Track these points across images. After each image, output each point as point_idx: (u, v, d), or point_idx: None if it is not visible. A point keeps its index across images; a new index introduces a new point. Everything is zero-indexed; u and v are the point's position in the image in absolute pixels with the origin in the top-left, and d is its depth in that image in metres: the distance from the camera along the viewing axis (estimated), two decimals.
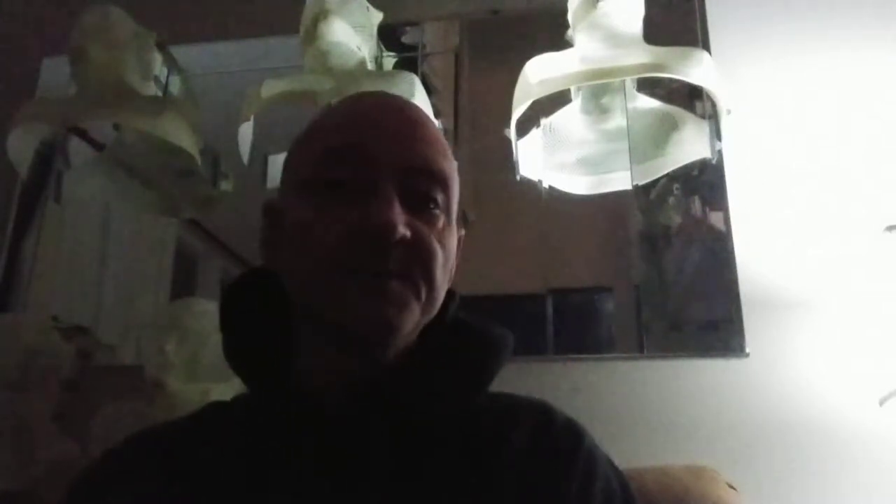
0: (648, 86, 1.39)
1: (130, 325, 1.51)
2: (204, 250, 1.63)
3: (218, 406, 0.70)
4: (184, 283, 1.59)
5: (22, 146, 1.44)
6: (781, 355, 1.26)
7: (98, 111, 1.41)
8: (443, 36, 1.65)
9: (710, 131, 1.36)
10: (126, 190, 1.56)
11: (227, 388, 1.15)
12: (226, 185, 1.54)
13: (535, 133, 1.40)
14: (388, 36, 1.53)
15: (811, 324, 1.27)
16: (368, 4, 1.37)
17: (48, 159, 1.62)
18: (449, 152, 0.65)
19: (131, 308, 1.58)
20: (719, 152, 1.37)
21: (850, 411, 1.21)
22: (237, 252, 1.59)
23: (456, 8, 1.64)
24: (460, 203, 0.67)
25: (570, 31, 1.33)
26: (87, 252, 1.64)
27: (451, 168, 0.64)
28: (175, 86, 1.59)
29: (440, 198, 0.62)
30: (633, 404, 1.27)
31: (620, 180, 1.39)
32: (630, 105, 1.38)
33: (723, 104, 1.29)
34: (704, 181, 1.41)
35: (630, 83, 1.37)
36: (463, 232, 0.68)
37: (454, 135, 1.53)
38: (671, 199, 1.43)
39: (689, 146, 1.38)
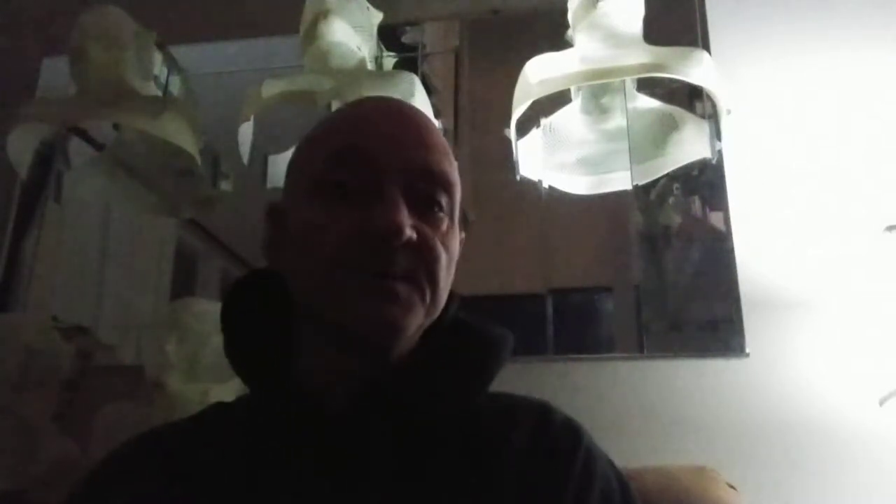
0: (648, 86, 1.39)
1: (130, 325, 1.52)
2: (204, 250, 1.63)
3: (220, 407, 0.71)
4: (184, 283, 1.59)
5: (22, 146, 1.44)
6: (781, 355, 1.26)
7: (98, 111, 1.41)
8: (443, 36, 1.65)
9: (710, 131, 1.36)
10: (126, 190, 1.56)
11: (227, 388, 1.15)
12: (226, 185, 1.54)
13: (535, 133, 1.40)
14: (388, 36, 1.53)
15: (811, 324, 1.27)
16: (368, 4, 1.37)
17: (48, 159, 1.62)
18: (451, 156, 0.65)
19: (131, 308, 1.59)
20: (719, 152, 1.37)
21: (850, 411, 1.21)
22: (237, 252, 1.59)
23: (456, 8, 1.64)
24: (460, 203, 0.67)
25: (570, 31, 1.33)
26: (87, 252, 1.64)
27: (455, 171, 0.65)
28: (175, 86, 1.59)
29: (444, 201, 0.63)
30: (633, 404, 1.27)
31: (620, 180, 1.39)
32: (630, 105, 1.38)
33: (723, 104, 1.29)
34: (704, 181, 1.41)
35: (630, 83, 1.37)
36: (464, 235, 0.68)
37: (454, 135, 1.53)
38: (671, 199, 1.43)
39: (689, 146, 1.38)
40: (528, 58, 1.31)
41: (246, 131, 1.33)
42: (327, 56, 1.30)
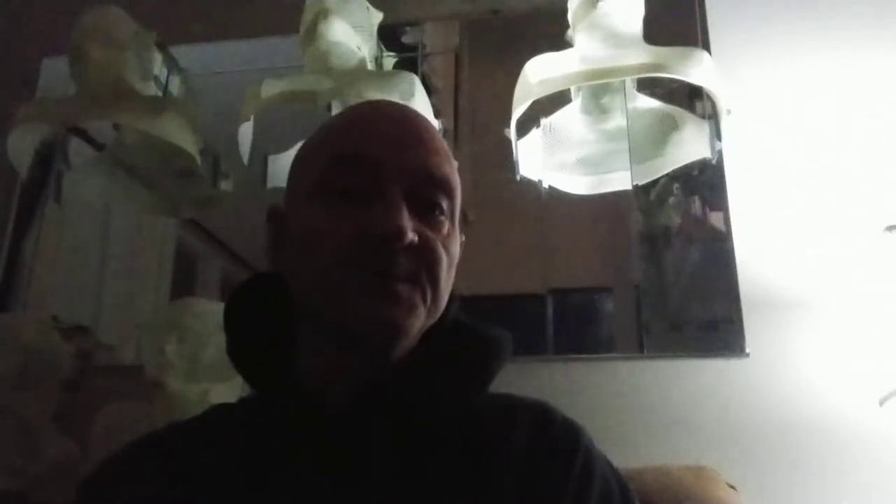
0: (648, 86, 1.39)
1: (130, 325, 1.52)
2: (204, 250, 1.63)
3: (222, 408, 0.71)
4: (184, 283, 1.59)
5: (22, 146, 1.44)
6: (781, 355, 1.26)
7: (98, 111, 1.41)
8: (443, 36, 1.65)
9: (710, 131, 1.36)
10: (126, 190, 1.56)
11: (227, 388, 1.15)
12: (226, 185, 1.54)
13: (535, 133, 1.40)
14: (388, 36, 1.53)
15: (811, 324, 1.27)
16: (368, 4, 1.37)
17: (48, 159, 1.62)
18: (452, 159, 0.66)
19: (131, 308, 1.59)
20: (719, 152, 1.37)
21: (850, 411, 1.21)
22: (237, 252, 1.59)
23: (456, 8, 1.64)
24: (460, 204, 0.68)
25: (570, 31, 1.33)
26: (87, 252, 1.64)
27: (455, 175, 0.65)
28: (175, 86, 1.59)
29: (445, 204, 0.63)
30: (633, 404, 1.27)
31: (620, 180, 1.39)
32: (630, 105, 1.38)
33: (723, 104, 1.29)
34: (704, 181, 1.41)
35: (630, 83, 1.37)
36: (464, 237, 0.69)
37: (454, 135, 1.53)
38: (671, 199, 1.43)
39: (689, 146, 1.38)
40: (528, 58, 1.31)
41: (246, 131, 1.33)
42: (327, 56, 1.30)
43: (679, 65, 1.24)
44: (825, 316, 1.27)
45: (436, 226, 0.62)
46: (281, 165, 1.43)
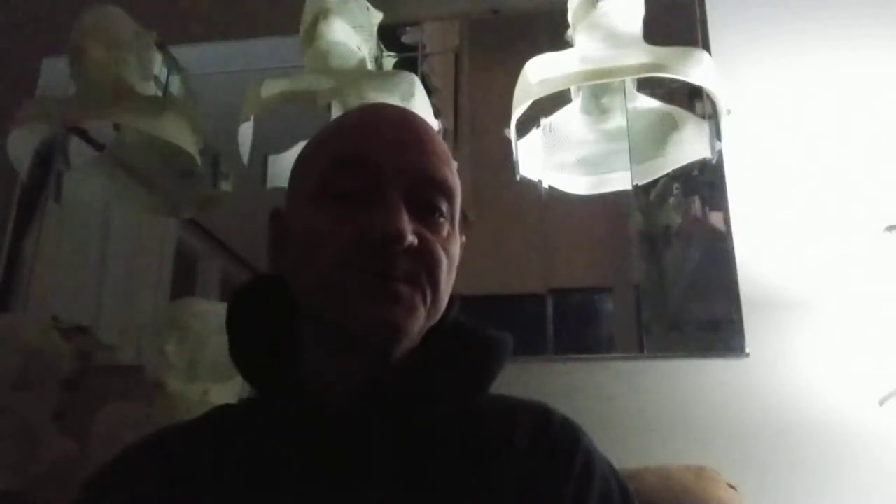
0: (648, 86, 1.39)
1: (130, 325, 1.52)
2: (204, 250, 1.63)
3: (224, 409, 0.71)
4: (184, 283, 1.59)
5: (22, 146, 1.44)
6: (781, 355, 1.26)
7: (98, 111, 1.41)
8: (443, 36, 1.65)
9: (710, 131, 1.36)
10: (126, 190, 1.56)
11: (227, 388, 1.15)
12: (226, 185, 1.54)
13: (535, 133, 1.40)
14: (388, 36, 1.53)
15: (811, 324, 1.27)
16: (368, 4, 1.37)
17: (48, 159, 1.61)
18: (452, 162, 0.67)
19: (131, 308, 1.59)
20: (719, 152, 1.37)
21: (850, 411, 1.21)
22: (237, 252, 1.59)
23: (456, 8, 1.64)
24: (461, 204, 0.68)
25: (570, 31, 1.33)
26: (87, 252, 1.64)
27: (455, 178, 0.66)
28: (175, 86, 1.59)
29: (445, 207, 0.64)
30: (633, 404, 1.27)
31: (620, 180, 1.39)
32: (630, 105, 1.38)
33: (723, 104, 1.29)
34: (704, 181, 1.41)
35: (630, 83, 1.37)
36: (464, 239, 0.69)
37: (454, 135, 1.53)
38: (671, 199, 1.43)
39: (689, 146, 1.38)
40: (528, 58, 1.31)
41: (246, 131, 1.33)
42: (327, 56, 1.30)
43: (679, 65, 1.24)
44: (825, 316, 1.27)
45: (436, 228, 0.63)
46: (281, 165, 1.43)
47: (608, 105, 1.39)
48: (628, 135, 1.38)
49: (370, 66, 1.36)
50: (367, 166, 0.61)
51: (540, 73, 1.28)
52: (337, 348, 0.62)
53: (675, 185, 1.42)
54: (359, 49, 1.33)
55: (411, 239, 0.59)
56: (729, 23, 1.47)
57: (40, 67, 1.74)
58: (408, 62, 1.57)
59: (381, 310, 0.59)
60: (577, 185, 1.42)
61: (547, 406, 0.68)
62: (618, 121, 1.39)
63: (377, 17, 1.40)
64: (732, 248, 1.34)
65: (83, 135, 1.59)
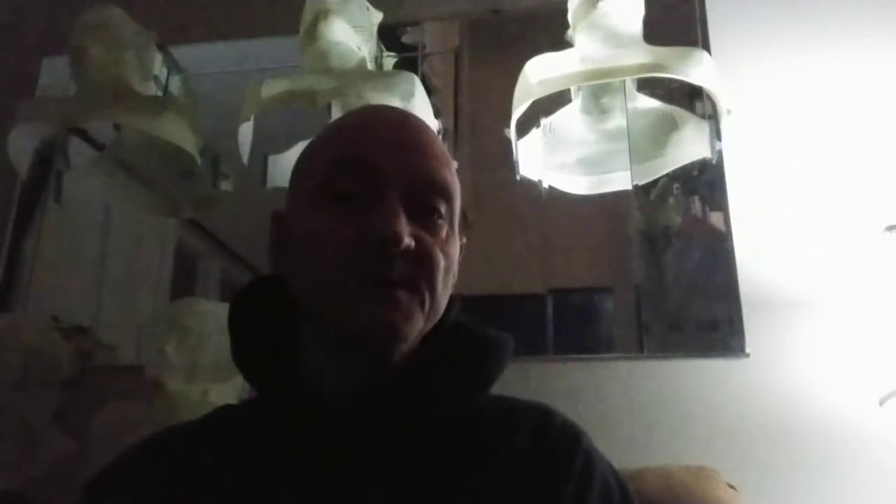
0: (648, 86, 1.39)
1: (130, 325, 1.52)
2: (204, 250, 1.63)
3: (225, 409, 0.72)
4: (184, 283, 1.59)
5: (22, 146, 1.44)
6: (781, 355, 1.26)
7: (98, 111, 1.41)
8: (443, 36, 1.65)
9: (710, 131, 1.36)
10: (126, 190, 1.56)
11: (227, 388, 1.15)
12: (226, 185, 1.54)
13: (535, 133, 1.40)
14: (388, 36, 1.53)
15: (811, 324, 1.27)
16: (368, 4, 1.37)
17: (48, 159, 1.61)
18: (452, 164, 0.67)
19: (131, 308, 1.59)
20: (719, 152, 1.37)
21: (850, 411, 1.21)
22: (237, 252, 1.59)
23: (456, 8, 1.64)
24: (461, 205, 0.68)
25: (570, 31, 1.33)
26: (87, 252, 1.64)
27: (454, 179, 0.66)
28: (175, 86, 1.59)
29: (443, 208, 0.64)
30: (634, 404, 1.27)
31: (620, 180, 1.39)
32: (630, 105, 1.38)
33: (723, 104, 1.29)
34: (704, 181, 1.41)
35: (630, 83, 1.37)
36: (465, 239, 0.69)
37: (454, 135, 1.53)
38: (671, 199, 1.43)
39: (689, 146, 1.38)
40: (528, 58, 1.31)
41: (246, 131, 1.33)
42: (327, 56, 1.30)
43: (679, 65, 1.24)
44: (825, 316, 1.27)
45: (434, 230, 0.63)
46: (281, 165, 1.43)
47: (608, 105, 1.38)
48: (628, 135, 1.38)
49: (370, 66, 1.36)
50: (367, 168, 0.62)
51: (540, 73, 1.28)
52: (337, 349, 0.62)
53: (675, 185, 1.42)
54: (359, 49, 1.33)
55: (408, 241, 0.59)
56: (729, 23, 1.47)
57: (40, 67, 1.74)
58: (408, 62, 1.57)
59: (380, 314, 0.59)
60: (577, 185, 1.42)
61: (548, 407, 0.68)
62: (618, 121, 1.39)
63: (377, 17, 1.40)
64: (732, 248, 1.34)
65: (83, 135, 1.59)
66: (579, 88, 1.38)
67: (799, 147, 1.38)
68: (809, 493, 1.17)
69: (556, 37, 1.35)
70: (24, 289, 1.58)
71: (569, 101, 1.39)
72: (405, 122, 0.67)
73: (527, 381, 1.25)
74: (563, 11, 1.33)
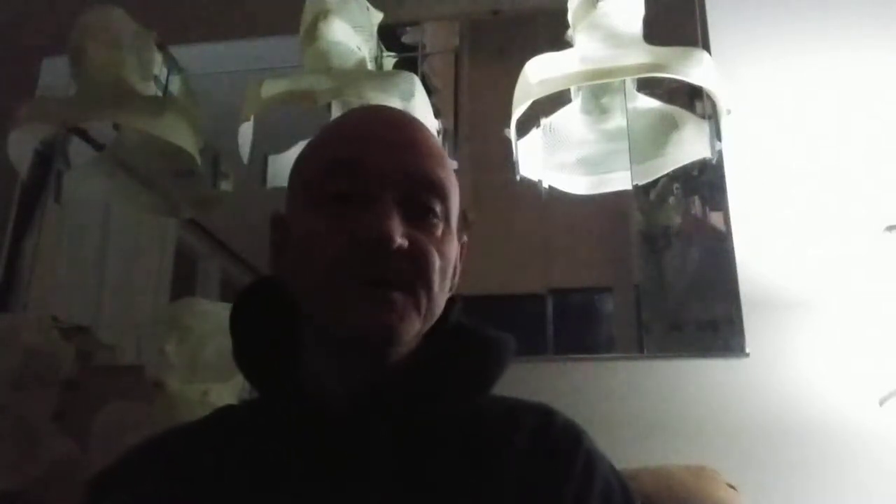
0: (648, 86, 1.39)
1: (130, 325, 1.51)
2: (204, 250, 1.63)
3: (227, 410, 0.72)
4: (184, 283, 1.59)
5: (22, 146, 1.44)
6: (781, 355, 1.26)
7: (98, 111, 1.41)
8: (443, 36, 1.65)
9: (710, 131, 1.36)
10: (126, 190, 1.56)
11: (227, 388, 1.15)
12: (226, 185, 1.54)
13: (535, 133, 1.40)
14: (388, 36, 1.53)
15: (811, 324, 1.27)
16: (368, 4, 1.37)
17: (48, 159, 1.61)
18: (447, 162, 0.67)
19: (131, 308, 1.59)
20: (719, 152, 1.37)
21: (850, 411, 1.21)
22: (237, 252, 1.59)
23: (456, 8, 1.64)
24: (461, 204, 0.68)
25: (570, 31, 1.33)
26: (87, 252, 1.64)
27: (450, 178, 0.65)
28: (175, 86, 1.59)
29: (439, 207, 0.63)
30: (633, 404, 1.27)
31: (620, 180, 1.39)
32: (630, 105, 1.38)
33: (723, 104, 1.29)
34: (704, 181, 1.41)
35: (630, 83, 1.37)
36: (465, 238, 0.69)
37: (454, 135, 1.53)
38: (671, 199, 1.43)
39: (689, 146, 1.38)
40: (528, 58, 1.31)
41: (246, 131, 1.33)
42: (327, 56, 1.30)
43: (679, 65, 1.24)
44: (825, 316, 1.27)
45: (429, 230, 0.62)
46: (281, 165, 1.43)
47: (608, 105, 1.38)
48: (628, 135, 1.38)
49: (370, 66, 1.36)
50: (361, 169, 0.62)
51: (540, 73, 1.28)
52: (335, 350, 0.62)
53: (675, 185, 1.42)
54: (359, 49, 1.33)
55: (400, 241, 0.59)
56: (729, 23, 1.47)
57: (40, 67, 1.73)
58: (408, 62, 1.57)
59: (375, 315, 0.59)
60: (577, 185, 1.42)
61: (549, 407, 0.68)
62: (618, 121, 1.39)
63: (377, 17, 1.39)
64: (732, 248, 1.34)
65: (83, 135, 1.59)
66: (579, 88, 1.38)
67: (799, 147, 1.38)
68: (809, 493, 1.17)
69: (556, 37, 1.35)
70: (24, 289, 1.58)
71: (569, 101, 1.39)
72: (400, 121, 0.67)
73: (527, 381, 1.25)
74: (563, 11, 1.33)
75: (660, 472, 1.01)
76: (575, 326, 1.40)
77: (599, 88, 1.37)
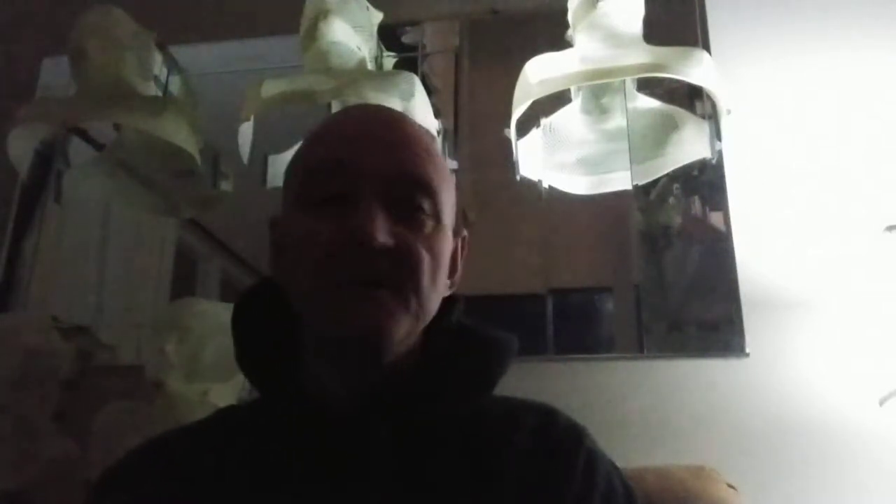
0: (648, 86, 1.39)
1: (130, 325, 1.51)
2: (204, 250, 1.63)
3: (228, 411, 0.72)
4: (184, 283, 1.59)
5: (22, 146, 1.44)
6: (781, 355, 1.26)
7: (98, 111, 1.41)
8: (443, 36, 1.65)
9: (710, 131, 1.36)
10: (126, 190, 1.56)
11: (227, 388, 1.15)
12: (226, 185, 1.54)
13: (535, 133, 1.40)
14: (388, 36, 1.53)
15: (811, 324, 1.27)
16: (368, 4, 1.37)
17: (48, 159, 1.61)
18: (437, 158, 0.66)
19: (131, 308, 1.58)
20: (719, 152, 1.37)
21: (850, 411, 1.21)
22: (237, 252, 1.59)
23: (456, 8, 1.64)
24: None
25: (570, 31, 1.33)
26: (87, 252, 1.64)
27: (438, 172, 0.64)
28: (175, 86, 1.59)
29: (426, 203, 0.62)
30: (633, 404, 1.27)
31: (620, 180, 1.39)
32: (630, 105, 1.38)
33: (723, 104, 1.29)
34: (704, 181, 1.41)
35: (630, 83, 1.37)
36: (465, 233, 0.69)
37: (454, 135, 1.53)
38: (671, 199, 1.43)
39: (689, 146, 1.38)
40: (528, 58, 1.31)
41: (246, 131, 1.33)
42: (327, 56, 1.30)
43: (679, 65, 1.24)
44: (825, 316, 1.27)
45: (417, 227, 0.61)
46: (281, 165, 1.42)
47: (608, 105, 1.38)
48: (628, 135, 1.38)
49: (370, 66, 1.36)
50: (345, 170, 0.61)
51: (540, 73, 1.28)
52: (330, 352, 0.62)
53: (675, 185, 1.42)
54: (359, 49, 1.33)
55: (382, 240, 0.58)
56: (729, 23, 1.47)
57: (40, 67, 1.73)
58: (408, 62, 1.57)
59: (359, 316, 0.58)
60: (577, 185, 1.42)
61: (551, 407, 0.68)
62: (618, 121, 1.39)
63: (377, 17, 1.39)
64: (732, 248, 1.34)
65: (83, 135, 1.59)
66: (579, 88, 1.38)
67: (799, 147, 1.38)
68: (809, 493, 1.17)
69: (556, 37, 1.35)
70: (24, 289, 1.58)
71: (569, 101, 1.39)
72: (384, 119, 0.67)
73: (527, 381, 1.25)
74: (563, 11, 1.33)
75: (660, 471, 1.01)
76: (575, 326, 1.40)
77: (599, 88, 1.37)
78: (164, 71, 1.55)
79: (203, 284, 1.61)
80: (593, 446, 0.65)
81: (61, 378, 1.27)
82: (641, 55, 1.26)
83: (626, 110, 1.38)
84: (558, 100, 1.37)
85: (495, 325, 0.68)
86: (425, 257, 0.61)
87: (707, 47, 1.42)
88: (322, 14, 1.27)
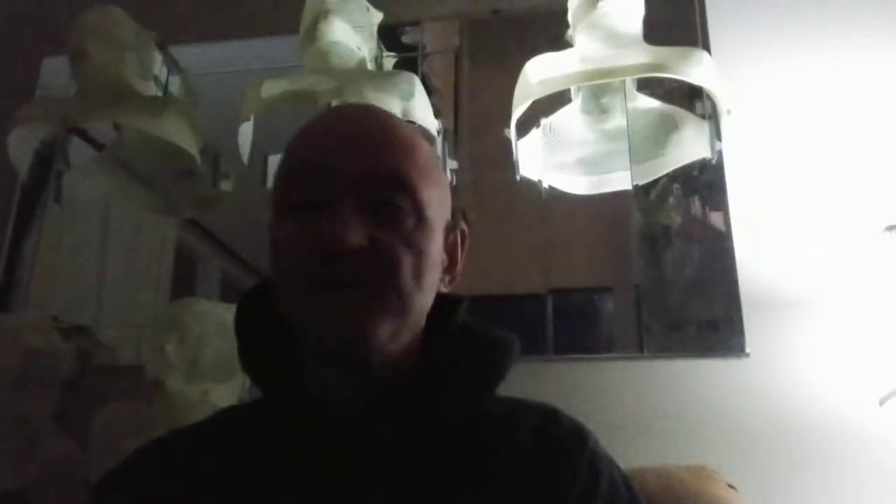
0: (648, 86, 1.39)
1: (130, 325, 1.51)
2: (204, 250, 1.63)
3: (230, 411, 0.72)
4: (184, 283, 1.59)
5: (22, 146, 1.44)
6: (781, 355, 1.26)
7: (98, 111, 1.41)
8: (443, 36, 1.65)
9: (710, 131, 1.36)
10: (126, 190, 1.56)
11: (227, 388, 1.15)
12: (226, 185, 1.54)
13: (535, 133, 1.40)
14: (388, 36, 1.53)
15: (811, 324, 1.27)
16: (368, 4, 1.37)
17: (48, 159, 1.61)
18: (418, 152, 0.64)
19: (131, 308, 1.58)
20: (719, 152, 1.37)
21: (850, 411, 1.21)
22: (237, 252, 1.59)
23: (456, 8, 1.64)
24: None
25: (570, 31, 1.33)
26: (87, 252, 1.64)
27: (419, 168, 0.63)
28: (175, 86, 1.59)
29: (404, 200, 0.61)
30: (633, 404, 1.27)
31: (620, 180, 1.39)
32: (630, 105, 1.38)
33: (723, 104, 1.29)
34: (704, 181, 1.41)
35: (630, 83, 1.37)
36: (464, 226, 0.68)
37: (454, 135, 1.53)
38: (671, 199, 1.43)
39: (689, 146, 1.38)
40: (528, 58, 1.31)
41: (246, 131, 1.33)
42: (327, 56, 1.30)
43: (679, 65, 1.24)
44: (825, 316, 1.27)
45: (396, 225, 0.60)
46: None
47: (608, 105, 1.39)
48: (628, 135, 1.38)
49: (370, 66, 1.36)
50: (318, 173, 0.61)
51: (540, 73, 1.28)
52: (323, 354, 0.62)
53: (675, 185, 1.42)
54: (359, 49, 1.33)
55: (354, 242, 0.57)
56: (729, 23, 1.47)
57: (40, 67, 1.73)
58: (408, 62, 1.57)
59: (339, 319, 0.58)
60: (577, 185, 1.42)
61: (553, 407, 0.68)
62: (618, 121, 1.39)
63: (377, 17, 1.40)
64: (732, 248, 1.34)
65: (83, 135, 1.59)
66: (579, 88, 1.38)
67: (799, 147, 1.38)
68: (809, 493, 1.17)
69: (556, 37, 1.35)
70: (24, 289, 1.58)
71: (569, 101, 1.40)
72: (358, 119, 0.66)
73: (527, 381, 1.25)
74: (563, 11, 1.33)
75: (660, 471, 1.00)
76: (575, 326, 1.40)
77: (599, 88, 1.37)
78: (164, 71, 1.55)
79: (203, 284, 1.61)
80: (596, 447, 0.65)
81: (61, 378, 1.27)
82: (641, 55, 1.27)
83: (626, 110, 1.38)
84: (558, 100, 1.37)
85: (495, 325, 0.68)
86: (405, 255, 0.60)
87: (707, 47, 1.42)
88: (322, 14, 1.27)
